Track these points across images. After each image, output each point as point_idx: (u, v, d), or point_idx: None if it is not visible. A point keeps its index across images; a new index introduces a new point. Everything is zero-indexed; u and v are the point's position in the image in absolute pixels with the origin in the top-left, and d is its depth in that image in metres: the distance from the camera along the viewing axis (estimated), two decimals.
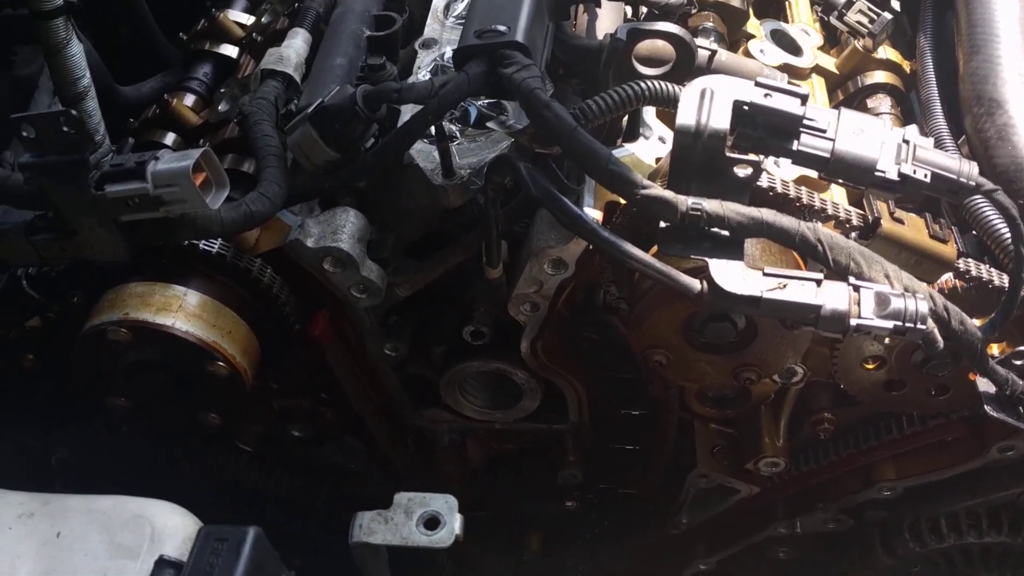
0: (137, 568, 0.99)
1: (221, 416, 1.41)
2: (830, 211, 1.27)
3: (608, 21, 1.59)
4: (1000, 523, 1.52)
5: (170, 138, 1.91)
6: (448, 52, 1.56)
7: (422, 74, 1.54)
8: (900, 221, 1.27)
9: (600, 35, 1.55)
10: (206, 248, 1.31)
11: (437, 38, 1.59)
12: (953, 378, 1.38)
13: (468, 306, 1.48)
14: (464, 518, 1.09)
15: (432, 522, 1.06)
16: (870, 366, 1.39)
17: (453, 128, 1.42)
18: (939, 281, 1.31)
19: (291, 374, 1.54)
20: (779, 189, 1.26)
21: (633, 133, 1.50)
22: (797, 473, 1.60)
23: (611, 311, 1.42)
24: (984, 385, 1.26)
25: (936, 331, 1.07)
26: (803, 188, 1.28)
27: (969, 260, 1.31)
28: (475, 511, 1.90)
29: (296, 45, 1.50)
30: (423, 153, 1.37)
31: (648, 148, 1.50)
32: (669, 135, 1.56)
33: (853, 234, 1.29)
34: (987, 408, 1.24)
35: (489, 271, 1.37)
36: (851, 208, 1.29)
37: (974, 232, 1.40)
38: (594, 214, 1.34)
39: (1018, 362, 1.26)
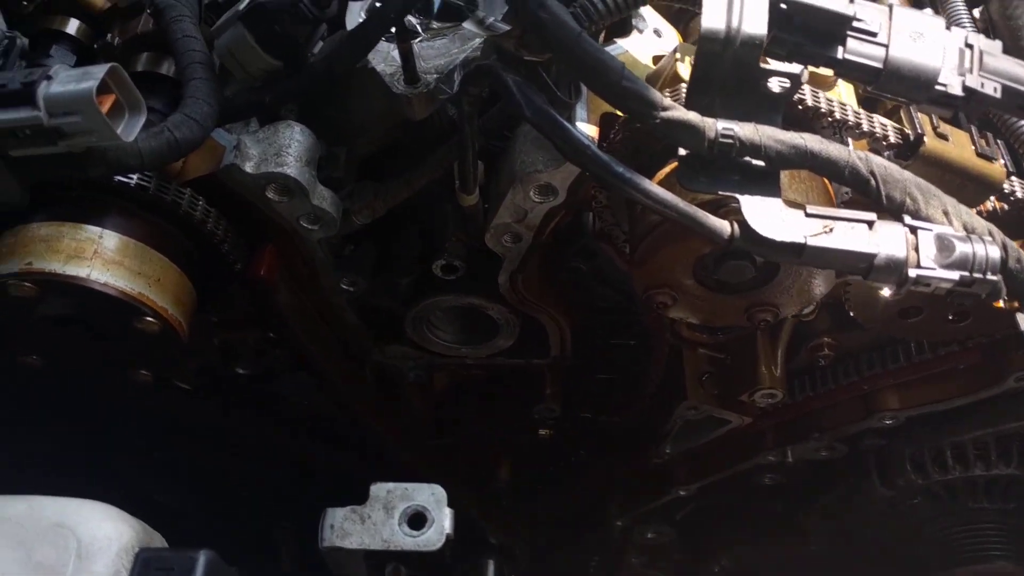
0: None
1: (153, 372, 1.20)
2: (865, 127, 1.09)
3: None
4: (1010, 455, 1.43)
5: (73, 25, 1.62)
6: None
7: None
8: (944, 137, 1.10)
9: None
10: (123, 180, 1.07)
11: None
12: (975, 304, 1.25)
13: (437, 235, 1.28)
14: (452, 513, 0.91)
15: (417, 519, 0.89)
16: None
17: (414, 22, 1.19)
18: None
19: (232, 308, 1.34)
20: (809, 102, 1.07)
21: (623, 25, 1.28)
22: (792, 403, 1.48)
23: (603, 239, 1.24)
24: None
25: (1002, 280, 0.92)
26: (834, 99, 1.10)
27: (1014, 180, 1.15)
28: (439, 439, 1.79)
29: None
30: (380, 54, 1.13)
31: (643, 44, 1.29)
32: (665, 27, 1.36)
33: (887, 153, 1.11)
34: None
35: (464, 197, 1.17)
36: (887, 122, 1.11)
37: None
38: (588, 129, 1.14)
39: None
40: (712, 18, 0.92)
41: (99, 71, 0.88)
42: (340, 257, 1.31)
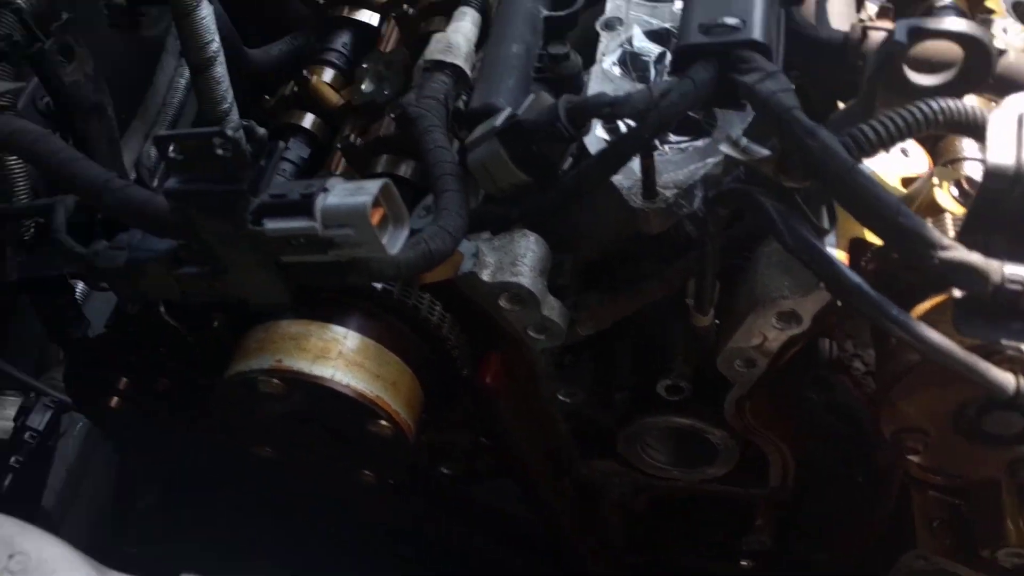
0: None
1: (376, 472, 1.22)
2: None
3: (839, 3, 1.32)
4: None
5: (308, 119, 1.73)
6: (637, 35, 1.31)
7: (606, 62, 1.30)
8: None
9: (833, 20, 1.29)
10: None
11: (623, 17, 1.34)
12: None
13: (661, 352, 1.25)
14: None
15: None
16: None
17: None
18: None
19: (449, 411, 1.35)
20: None
21: None
22: None
23: (841, 369, 1.18)
24: None
25: None
26: None
27: None
28: (635, 557, 1.73)
29: (464, 29, 1.28)
30: None
31: (890, 164, 1.23)
32: (913, 146, 1.29)
33: None
34: None
35: (698, 318, 1.14)
36: None
37: None
38: (838, 254, 1.09)
39: None
40: (1001, 154, 0.86)
41: (373, 187, 0.91)
42: (559, 367, 1.30)
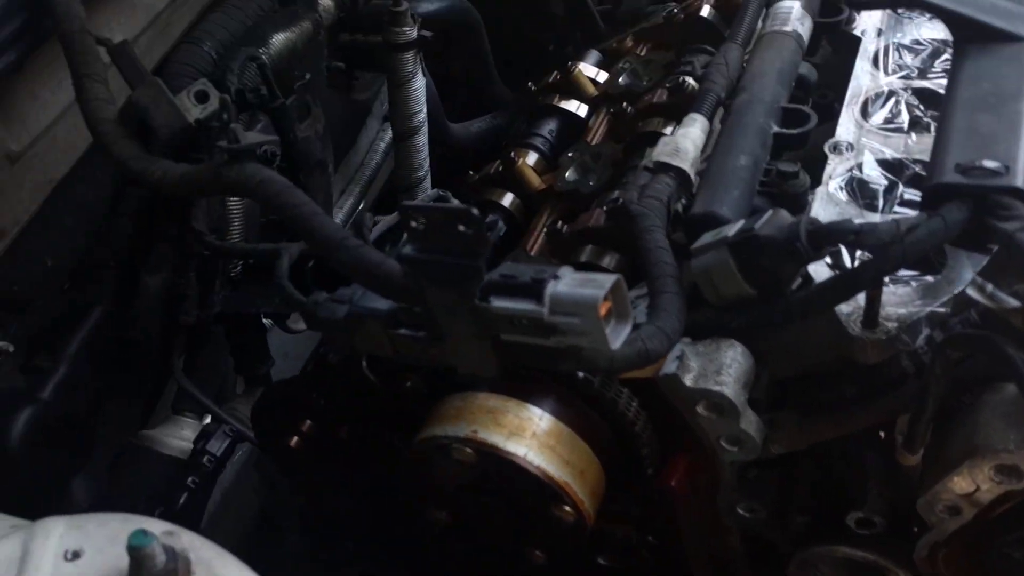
0: None
1: (547, 557, 1.21)
2: None
3: None
4: None
5: (508, 199, 1.79)
6: (868, 162, 1.30)
7: (832, 185, 1.29)
8: None
9: None
10: None
11: (853, 142, 1.34)
12: None
13: (855, 482, 1.21)
14: None
15: None
16: None
17: None
18: None
19: (620, 504, 1.33)
20: None
21: None
22: None
23: None
24: None
25: None
26: None
27: None
28: None
29: (693, 135, 1.29)
30: None
31: None
32: None
33: None
34: None
35: (906, 456, 1.10)
36: None
37: None
38: None
39: None
40: None
41: (606, 281, 0.92)
42: (743, 479, 1.27)
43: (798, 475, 1.28)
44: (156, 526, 0.98)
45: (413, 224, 0.99)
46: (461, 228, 0.95)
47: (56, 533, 0.98)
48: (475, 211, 0.94)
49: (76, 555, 0.95)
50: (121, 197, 1.66)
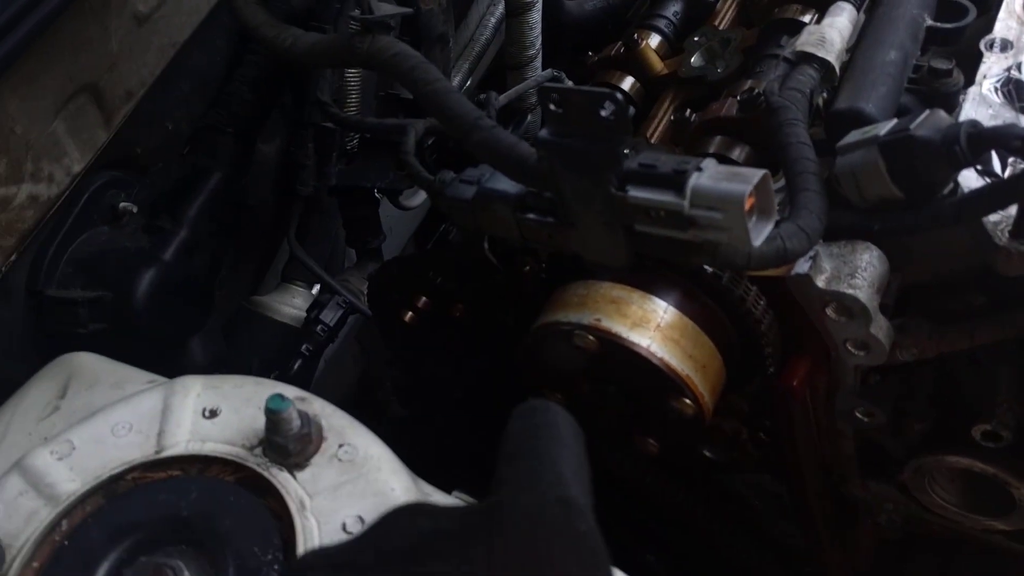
0: None
1: (660, 446, 1.22)
2: None
3: None
4: None
5: (628, 82, 1.73)
6: None
7: (986, 86, 1.21)
8: None
9: None
10: None
11: (1013, 40, 1.24)
12: None
13: (985, 396, 1.17)
14: None
15: None
16: None
17: None
18: None
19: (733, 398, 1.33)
20: None
21: None
22: None
23: None
24: None
25: None
26: None
27: None
28: None
29: (840, 25, 1.21)
30: None
31: None
32: None
33: None
34: None
35: None
36: None
37: None
38: None
39: None
40: None
41: (753, 176, 0.89)
42: (864, 384, 1.25)
43: (919, 382, 1.25)
44: (289, 391, 1.01)
45: (552, 107, 0.96)
46: (603, 112, 0.92)
47: (194, 391, 1.02)
48: (618, 95, 0.91)
49: (213, 413, 0.99)
50: (239, 63, 1.66)
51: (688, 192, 0.91)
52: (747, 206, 0.89)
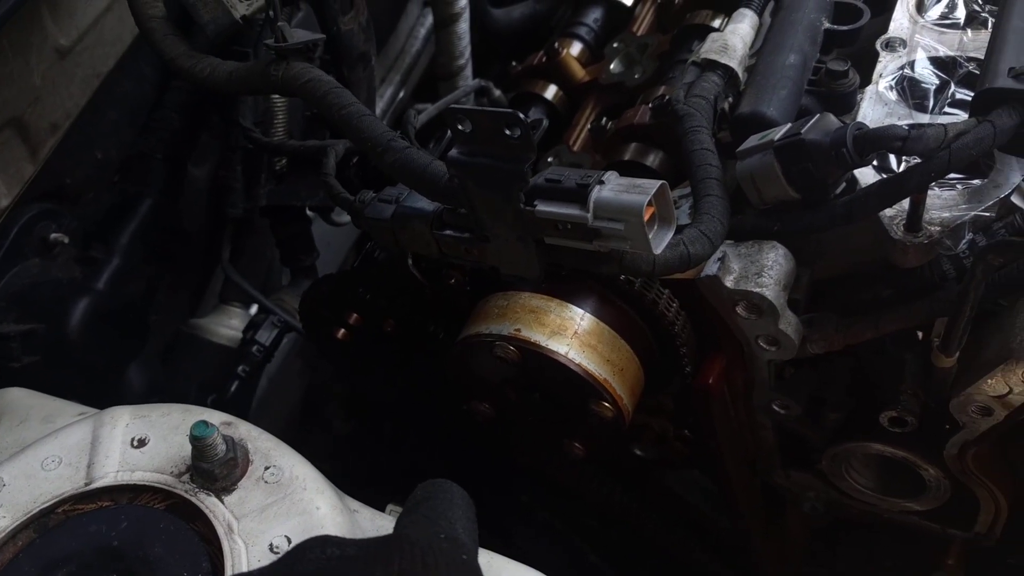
0: None
1: (586, 449, 1.26)
2: None
3: None
4: None
5: (551, 91, 1.78)
6: (920, 60, 1.27)
7: (883, 84, 1.26)
8: None
9: None
10: None
11: (906, 39, 1.30)
12: None
13: (888, 382, 1.23)
14: None
15: None
16: None
17: None
18: None
19: (655, 399, 1.38)
20: None
21: None
22: None
23: None
24: None
25: None
26: None
27: None
28: (810, 568, 1.73)
29: (742, 31, 1.27)
30: None
31: None
32: None
33: None
34: None
35: (941, 358, 1.11)
36: None
37: None
38: None
39: None
40: None
41: (650, 187, 0.93)
42: (779, 378, 1.30)
43: (837, 374, 1.30)
44: (215, 416, 1.03)
45: (459, 127, 0.99)
46: (507, 132, 0.95)
47: (123, 422, 1.03)
48: (522, 115, 0.94)
49: (142, 442, 1.01)
50: (167, 90, 1.67)
51: (591, 205, 0.94)
52: (646, 216, 0.93)
